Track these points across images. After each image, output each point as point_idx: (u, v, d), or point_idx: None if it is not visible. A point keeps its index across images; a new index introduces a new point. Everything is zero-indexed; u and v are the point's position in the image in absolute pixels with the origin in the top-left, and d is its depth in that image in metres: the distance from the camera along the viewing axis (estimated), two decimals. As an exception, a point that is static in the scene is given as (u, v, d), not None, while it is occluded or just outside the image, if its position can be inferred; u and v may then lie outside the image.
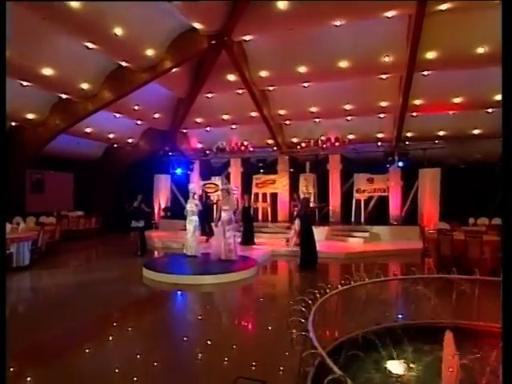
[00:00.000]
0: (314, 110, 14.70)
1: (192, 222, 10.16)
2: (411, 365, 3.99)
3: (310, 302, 3.53)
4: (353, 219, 16.22)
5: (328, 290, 3.98)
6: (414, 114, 13.87)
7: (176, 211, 17.58)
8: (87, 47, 10.55)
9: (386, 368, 3.91)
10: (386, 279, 4.88)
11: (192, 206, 10.23)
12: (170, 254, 10.68)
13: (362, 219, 16.12)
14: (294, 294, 6.67)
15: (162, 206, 17.71)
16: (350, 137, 15.94)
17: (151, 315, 6.12)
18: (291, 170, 17.16)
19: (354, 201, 16.29)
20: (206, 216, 12.71)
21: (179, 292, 7.56)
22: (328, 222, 15.47)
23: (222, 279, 8.01)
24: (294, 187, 17.00)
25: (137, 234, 11.35)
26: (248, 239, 12.56)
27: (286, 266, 10.30)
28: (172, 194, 18.37)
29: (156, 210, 17.62)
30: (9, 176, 12.71)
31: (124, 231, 12.17)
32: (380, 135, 15.72)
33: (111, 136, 15.98)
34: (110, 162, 17.57)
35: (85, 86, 12.02)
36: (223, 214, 9.65)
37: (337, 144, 15.75)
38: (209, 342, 4.60)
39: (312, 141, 16.14)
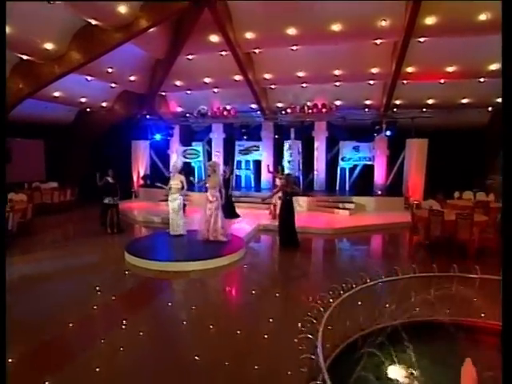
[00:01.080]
0: (301, 74, 13.91)
1: (175, 200, 9.63)
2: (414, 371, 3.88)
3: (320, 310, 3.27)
4: (337, 187, 16.08)
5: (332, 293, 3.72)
6: (405, 81, 13.34)
7: (156, 179, 16.95)
8: (49, 1, 9.29)
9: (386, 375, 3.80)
10: (400, 278, 4.62)
11: (177, 183, 9.63)
12: (153, 234, 10.20)
13: (347, 187, 16.01)
14: (284, 284, 6.58)
15: (141, 173, 16.95)
16: (337, 103, 15.35)
17: (143, 312, 5.76)
18: (275, 136, 16.58)
19: (338, 169, 16.06)
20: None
21: (166, 281, 7.21)
22: (312, 192, 15.24)
23: (210, 265, 7.70)
24: (278, 154, 16.56)
25: (113, 212, 10.69)
26: (231, 213, 12.18)
27: (273, 244, 10.06)
28: (151, 160, 17.56)
29: (135, 178, 16.87)
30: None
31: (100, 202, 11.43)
32: (368, 102, 15.21)
33: (83, 100, 14.77)
34: (83, 127, 16.43)
35: (49, 46, 10.74)
36: (208, 193, 9.18)
37: (323, 110, 15.16)
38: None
39: (298, 106, 15.47)
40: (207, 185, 9.21)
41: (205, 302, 6.14)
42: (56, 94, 13.53)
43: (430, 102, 14.39)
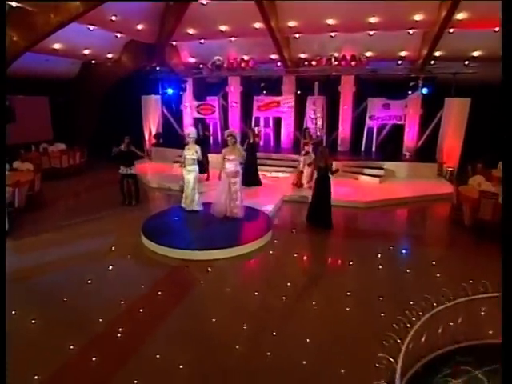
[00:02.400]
0: (331, 22, 12.20)
1: (191, 172, 8.75)
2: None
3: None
4: (363, 148, 14.94)
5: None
6: (451, 30, 11.61)
7: (169, 138, 15.99)
8: None
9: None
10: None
11: (192, 154, 8.70)
12: (168, 210, 9.34)
13: (373, 149, 14.85)
14: (323, 280, 5.88)
15: (153, 132, 15.91)
16: (368, 54, 13.70)
17: (176, 310, 5.17)
18: (298, 91, 15.15)
19: (365, 128, 14.79)
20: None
21: (191, 271, 6.57)
22: (336, 153, 14.14)
23: (235, 252, 7.04)
24: (300, 111, 15.26)
25: (130, 183, 9.94)
26: (253, 180, 11.31)
27: (302, 222, 9.24)
28: (163, 117, 16.42)
29: (147, 137, 15.88)
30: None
31: (111, 163, 10.56)
32: (403, 53, 13.52)
33: (86, 52, 13.41)
34: (89, 82, 15.17)
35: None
36: (228, 165, 8.25)
37: (353, 63, 13.58)
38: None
39: (324, 58, 13.90)
40: (226, 157, 8.26)
41: (241, 301, 5.51)
42: (56, 46, 12.23)
43: (476, 54, 12.68)
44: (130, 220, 8.82)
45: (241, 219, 8.32)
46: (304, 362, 4.22)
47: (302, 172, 11.03)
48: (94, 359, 4.23)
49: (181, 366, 4.18)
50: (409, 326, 3.78)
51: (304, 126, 14.12)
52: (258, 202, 9.79)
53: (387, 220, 9.49)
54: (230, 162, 8.25)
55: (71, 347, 4.39)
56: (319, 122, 14.83)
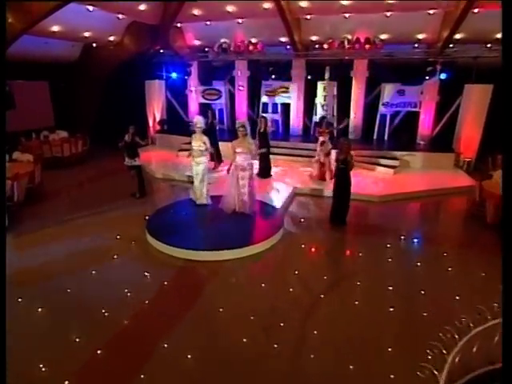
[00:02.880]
0: (345, 2, 11.47)
1: (200, 164, 8.34)
2: None
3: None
4: (375, 136, 14.35)
5: None
6: (476, 10, 10.85)
7: (174, 124, 15.47)
8: None
9: None
10: None
11: (199, 145, 8.25)
12: (175, 203, 8.94)
13: (386, 137, 14.26)
14: (341, 286, 5.46)
15: (158, 118, 15.38)
16: (383, 37, 12.95)
17: (189, 318, 4.84)
18: (308, 76, 14.48)
19: (378, 115, 14.17)
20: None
21: (201, 274, 6.22)
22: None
23: (245, 252, 6.66)
24: (310, 97, 14.63)
25: (134, 173, 9.54)
26: (266, 171, 10.86)
27: (315, 215, 8.81)
28: (168, 102, 15.85)
29: (151, 123, 15.36)
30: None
31: (115, 151, 10.07)
32: (421, 36, 12.75)
33: (87, 34, 12.79)
34: (90, 65, 14.58)
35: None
36: (238, 158, 7.81)
37: (367, 46, 12.86)
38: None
39: (336, 41, 13.17)
40: (237, 150, 7.79)
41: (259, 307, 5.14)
42: (55, 28, 11.65)
43: (500, 35, 11.89)
44: (134, 215, 8.44)
45: (251, 215, 7.92)
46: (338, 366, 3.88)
47: (323, 164, 10.48)
48: (98, 352, 4.21)
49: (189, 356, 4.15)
50: (445, 351, 3.39)
51: (320, 114, 13.57)
52: (268, 195, 9.38)
53: (403, 215, 9.04)
54: (239, 155, 7.79)
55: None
56: (330, 109, 14.24)
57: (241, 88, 15.15)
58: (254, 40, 14.19)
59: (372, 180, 10.78)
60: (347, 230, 7.84)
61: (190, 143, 8.52)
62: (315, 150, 12.48)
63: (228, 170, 8.01)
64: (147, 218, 7.80)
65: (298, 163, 12.41)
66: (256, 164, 8.61)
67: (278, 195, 9.45)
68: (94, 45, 13.94)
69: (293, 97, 14.64)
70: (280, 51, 14.60)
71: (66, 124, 14.19)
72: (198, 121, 8.39)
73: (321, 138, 10.41)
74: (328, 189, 9.77)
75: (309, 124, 15.03)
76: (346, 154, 7.61)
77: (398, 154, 12.18)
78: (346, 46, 13.11)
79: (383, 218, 8.75)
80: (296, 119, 14.84)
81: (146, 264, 6.38)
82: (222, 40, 14.25)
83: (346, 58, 13.48)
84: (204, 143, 8.24)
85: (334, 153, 9.59)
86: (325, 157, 10.38)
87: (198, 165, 8.35)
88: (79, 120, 14.64)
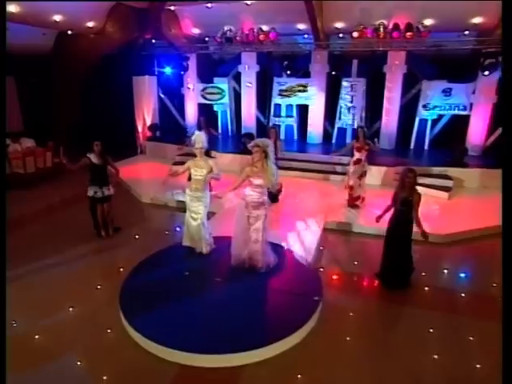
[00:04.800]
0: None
1: (199, 200, 5.74)
2: None
3: None
4: (412, 145, 11.80)
5: None
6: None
7: (167, 130, 12.92)
8: None
9: None
10: None
11: (202, 173, 5.68)
12: (163, 253, 6.19)
13: (426, 146, 11.72)
14: None
15: (148, 122, 12.80)
16: (427, 22, 10.36)
17: None
18: (331, 71, 11.91)
19: (417, 120, 11.61)
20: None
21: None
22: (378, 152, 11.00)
23: (265, 355, 4.12)
24: (333, 97, 12.08)
25: (103, 208, 6.89)
26: (273, 195, 8.21)
27: (355, 266, 6.19)
28: (160, 104, 13.27)
29: (140, 129, 12.79)
30: None
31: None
32: (477, 20, 10.16)
33: (58, 18, 10.20)
34: (66, 58, 11.98)
35: None
36: (251, 193, 5.26)
37: (408, 35, 10.27)
38: None
39: (369, 28, 10.59)
40: (255, 182, 5.23)
41: None
42: (11, 8, 9.06)
43: None
44: (105, 269, 5.94)
45: (266, 273, 5.40)
46: None
47: (351, 187, 7.99)
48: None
49: None
50: None
51: (345, 118, 11.06)
52: (285, 232, 6.83)
53: (491, 267, 6.36)
54: (254, 188, 5.24)
55: None
56: (358, 112, 11.70)
57: (248, 85, 12.57)
58: (265, 27, 11.62)
59: (424, 208, 8.18)
60: (412, 298, 5.29)
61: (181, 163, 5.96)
62: (338, 165, 10.10)
63: (226, 192, 5.51)
64: (122, 288, 5.18)
65: (316, 181, 9.95)
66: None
67: (296, 234, 6.93)
68: (70, 32, 11.34)
69: (312, 97, 12.06)
70: (297, 41, 12.06)
71: (37, 129, 11.66)
72: (198, 139, 5.68)
73: (357, 155, 7.87)
74: (362, 221, 7.44)
75: (330, 131, 12.48)
76: (411, 191, 5.07)
77: (445, 169, 9.61)
78: (381, 33, 10.53)
79: (462, 271, 6.19)
80: (315, 124, 12.27)
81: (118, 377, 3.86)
82: (226, 27, 11.70)
83: (381, 49, 10.90)
84: (210, 171, 5.63)
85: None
86: (357, 179, 7.90)
87: (198, 201, 5.74)
88: (53, 124, 12.06)
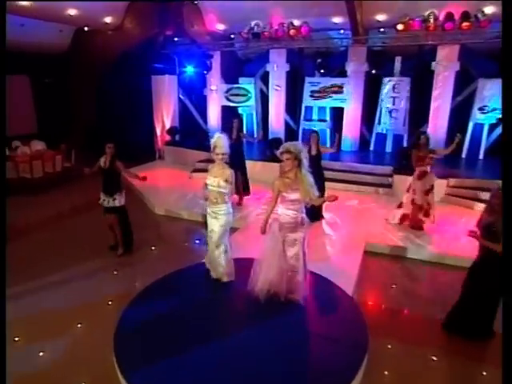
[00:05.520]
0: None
1: (218, 216, 4.58)
2: None
3: None
4: (464, 154, 10.23)
5: None
6: None
7: (188, 134, 11.96)
8: None
9: None
10: None
11: (219, 184, 4.48)
12: (176, 274, 5.08)
13: (481, 155, 10.12)
14: None
15: (167, 125, 11.88)
16: (488, 10, 8.86)
17: None
18: (371, 70, 10.58)
19: (470, 125, 10.05)
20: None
21: None
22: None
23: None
24: (372, 99, 10.72)
25: (114, 219, 5.91)
26: (315, 213, 6.84)
27: (416, 304, 4.80)
28: (181, 105, 12.32)
29: (158, 133, 11.89)
30: None
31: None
32: (549, 8, 8.56)
33: (72, 13, 9.49)
34: (82, 56, 11.30)
35: None
36: (285, 211, 4.09)
37: (465, 25, 8.81)
38: None
39: (417, 19, 9.20)
40: (291, 197, 4.03)
41: None
42: (24, 2, 8.37)
43: None
44: (104, 294, 4.92)
45: (299, 310, 4.18)
46: None
47: (420, 207, 6.59)
48: None
49: None
50: None
51: (387, 122, 9.72)
52: (321, 256, 5.58)
53: None
54: (288, 205, 4.06)
55: None
56: (401, 116, 10.29)
57: (277, 88, 11.43)
58: (296, 22, 10.46)
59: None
60: (497, 353, 3.87)
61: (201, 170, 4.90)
62: (377, 175, 8.77)
63: (264, 229, 4.26)
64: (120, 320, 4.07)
65: (352, 193, 8.64)
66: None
67: (337, 258, 5.66)
68: (86, 29, 10.63)
69: (348, 99, 10.74)
70: (331, 37, 10.85)
71: (50, 131, 10.98)
72: (219, 143, 4.47)
73: (419, 168, 6.49)
74: (430, 247, 6.08)
75: (368, 137, 11.11)
76: (498, 217, 3.70)
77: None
78: (431, 25, 9.12)
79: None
80: (351, 129, 10.93)
81: None
82: (254, 22, 10.65)
83: (430, 42, 9.48)
84: (226, 181, 4.49)
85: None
86: (424, 195, 6.49)
87: (215, 217, 4.63)
88: (67, 126, 11.36)
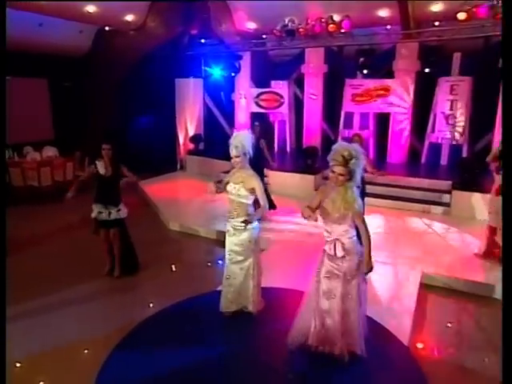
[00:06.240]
0: None
1: (240, 230, 3.60)
2: None
3: None
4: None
5: None
6: None
7: (213, 142, 10.89)
8: None
9: None
10: None
11: (239, 192, 3.53)
12: (182, 305, 4.00)
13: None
14: None
15: (190, 132, 10.87)
16: None
17: None
18: (423, 69, 9.13)
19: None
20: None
21: None
22: (486, 178, 7.85)
23: None
24: (424, 102, 9.25)
25: (116, 233, 4.91)
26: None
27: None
28: (206, 111, 11.31)
29: (181, 141, 10.88)
30: None
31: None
32: None
33: (91, 10, 8.73)
34: (103, 59, 10.54)
35: None
36: (330, 235, 3.02)
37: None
38: None
39: (482, 6, 7.72)
40: (335, 214, 2.88)
41: None
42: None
43: None
44: (93, 331, 3.81)
45: (350, 366, 3.03)
46: None
47: (494, 229, 5.06)
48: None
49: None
50: None
51: (445, 128, 8.20)
52: (373, 294, 4.20)
53: None
54: (329, 224, 2.98)
55: None
56: (460, 123, 8.74)
57: (313, 97, 10.23)
58: (336, 17, 9.22)
59: None
60: None
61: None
62: (431, 191, 7.34)
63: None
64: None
65: (400, 211, 7.24)
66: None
67: (390, 298, 4.27)
68: (107, 28, 9.89)
69: (395, 103, 9.32)
70: (375, 33, 9.47)
71: (67, 137, 10.26)
72: (239, 142, 3.51)
73: (498, 179, 4.98)
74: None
75: (419, 147, 9.60)
76: None
77: None
78: (500, 13, 7.61)
79: None
80: (399, 138, 9.46)
81: None
82: (288, 18, 9.50)
83: (499, 33, 7.94)
84: (252, 190, 3.51)
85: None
86: (498, 215, 4.94)
87: (234, 233, 3.65)
88: (85, 132, 10.58)
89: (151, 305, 4.24)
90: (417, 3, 8.43)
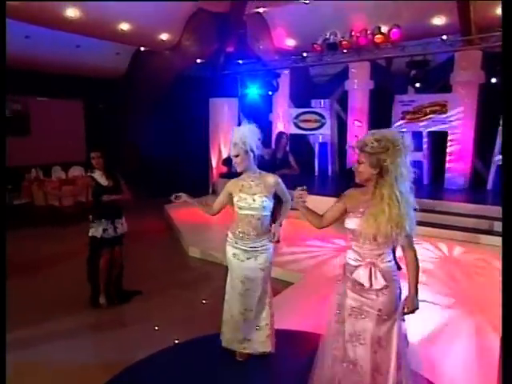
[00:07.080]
0: None
1: (260, 252, 2.80)
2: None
3: None
4: None
5: None
6: None
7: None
8: None
9: None
10: None
11: (256, 200, 2.75)
12: (180, 346, 3.12)
13: None
14: None
15: (224, 154, 10.21)
16: None
17: None
18: (488, 81, 7.90)
19: None
20: None
21: None
22: None
23: None
24: (488, 120, 7.94)
25: (118, 251, 4.28)
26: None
27: None
28: (242, 133, 10.68)
29: (214, 163, 10.24)
30: None
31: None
32: None
33: (124, 27, 8.55)
34: (138, 80, 10.36)
35: None
36: (354, 257, 2.09)
37: None
38: None
39: None
40: (350, 216, 2.02)
41: None
42: (70, 12, 7.56)
43: None
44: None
45: None
46: None
47: None
48: None
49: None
50: None
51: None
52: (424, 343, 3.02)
53: None
54: (359, 245, 2.08)
55: None
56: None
57: (358, 124, 9.31)
58: (383, 28, 8.36)
59: None
60: None
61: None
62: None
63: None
64: None
65: (461, 243, 5.92)
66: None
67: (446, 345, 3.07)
68: (143, 49, 9.72)
69: (454, 121, 8.10)
70: (429, 43, 8.45)
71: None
72: (238, 138, 2.77)
73: None
74: None
75: (483, 171, 8.20)
76: None
77: None
78: None
79: None
80: (458, 160, 8.14)
81: None
82: (329, 32, 8.78)
83: None
84: (267, 197, 2.75)
85: None
86: None
87: (251, 256, 2.81)
88: (119, 154, 10.31)
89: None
90: (478, 5, 7.38)
